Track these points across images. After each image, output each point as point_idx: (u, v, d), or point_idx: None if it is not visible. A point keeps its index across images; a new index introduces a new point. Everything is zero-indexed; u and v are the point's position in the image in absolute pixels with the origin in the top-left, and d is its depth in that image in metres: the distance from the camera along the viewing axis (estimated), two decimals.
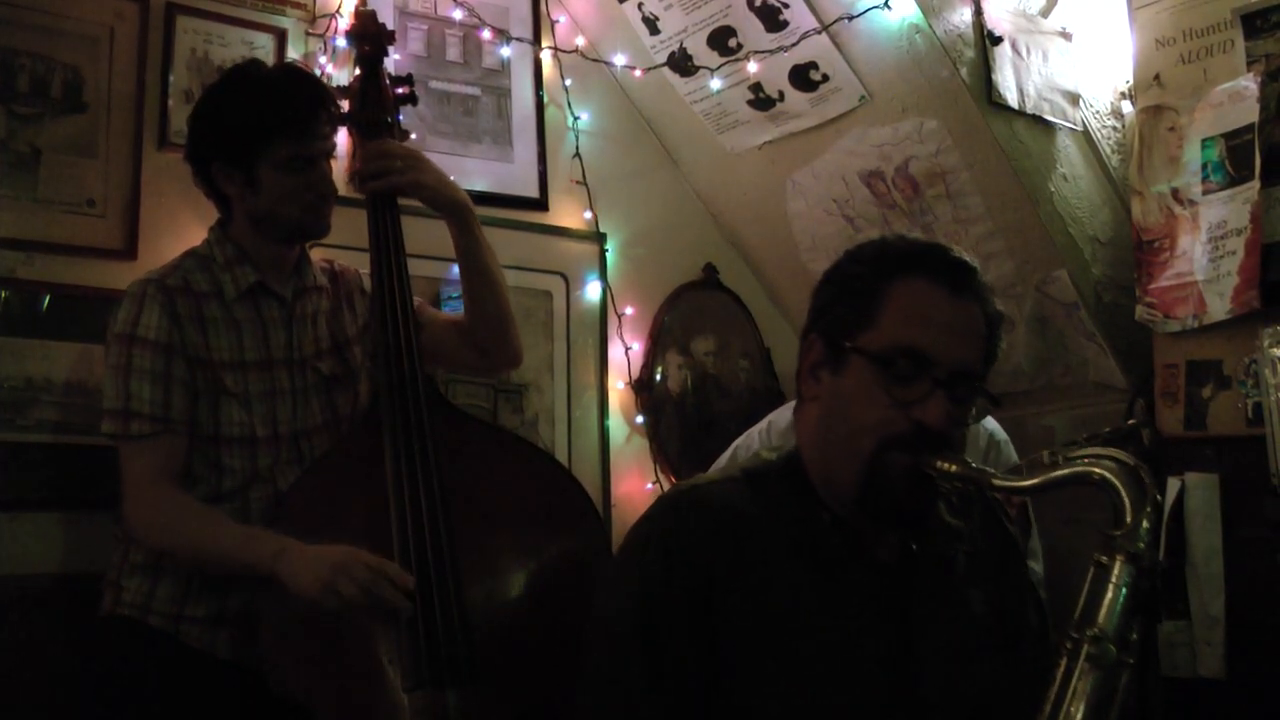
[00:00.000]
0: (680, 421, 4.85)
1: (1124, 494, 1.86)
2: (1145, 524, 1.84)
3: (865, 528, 2.09)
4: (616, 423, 4.76)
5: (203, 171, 3.18)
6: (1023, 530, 3.78)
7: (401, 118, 3.52)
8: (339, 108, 3.31)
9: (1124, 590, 1.83)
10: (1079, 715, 1.81)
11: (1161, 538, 3.82)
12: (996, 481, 1.97)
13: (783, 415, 4.06)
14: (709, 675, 1.99)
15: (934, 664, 2.06)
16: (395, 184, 3.30)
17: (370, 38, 3.50)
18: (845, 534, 2.08)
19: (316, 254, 3.41)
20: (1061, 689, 1.83)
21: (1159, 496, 1.87)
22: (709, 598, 2.00)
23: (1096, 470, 1.89)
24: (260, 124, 3.08)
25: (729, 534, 2.05)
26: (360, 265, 3.42)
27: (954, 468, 1.96)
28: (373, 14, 3.56)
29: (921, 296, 2.04)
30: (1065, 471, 1.92)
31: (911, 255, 2.09)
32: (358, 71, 3.50)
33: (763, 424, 4.08)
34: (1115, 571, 1.84)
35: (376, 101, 3.43)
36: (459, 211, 3.37)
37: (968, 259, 2.10)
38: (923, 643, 2.06)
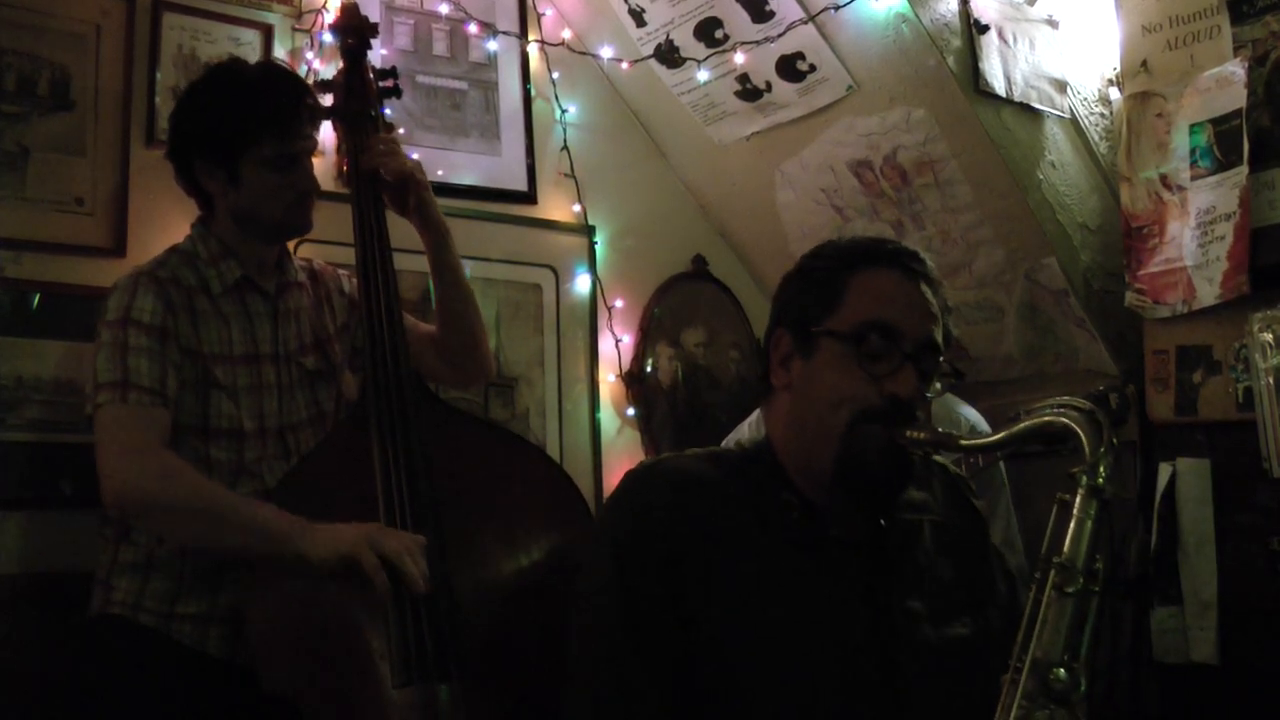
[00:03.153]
0: (671, 413, 4.86)
1: (1083, 436, 1.95)
2: (1103, 462, 1.94)
3: (834, 510, 2.17)
4: (607, 415, 4.77)
5: (184, 169, 3.17)
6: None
7: (387, 111, 3.52)
8: (320, 104, 3.31)
9: (1087, 522, 1.93)
10: (1052, 642, 1.90)
11: (1154, 522, 3.84)
12: (963, 442, 2.15)
13: None
14: (686, 640, 2.06)
15: (905, 631, 2.14)
16: (413, 173, 3.33)
17: (353, 30, 3.50)
18: (813, 515, 2.17)
19: (304, 250, 3.41)
20: (1031, 618, 1.93)
21: (1115, 440, 1.97)
22: (681, 565, 2.09)
23: (1057, 420, 2.00)
24: (243, 123, 3.07)
25: (696, 504, 2.15)
26: (345, 259, 3.42)
27: (922, 435, 2.08)
28: (355, 7, 3.56)
29: (882, 280, 2.19)
30: (1027, 424, 2.04)
31: (868, 248, 2.25)
32: (341, 65, 3.50)
33: (752, 417, 4.10)
34: (1077, 505, 1.94)
35: (360, 94, 3.44)
36: (443, 229, 3.41)
37: (919, 251, 2.25)
38: (893, 611, 2.14)
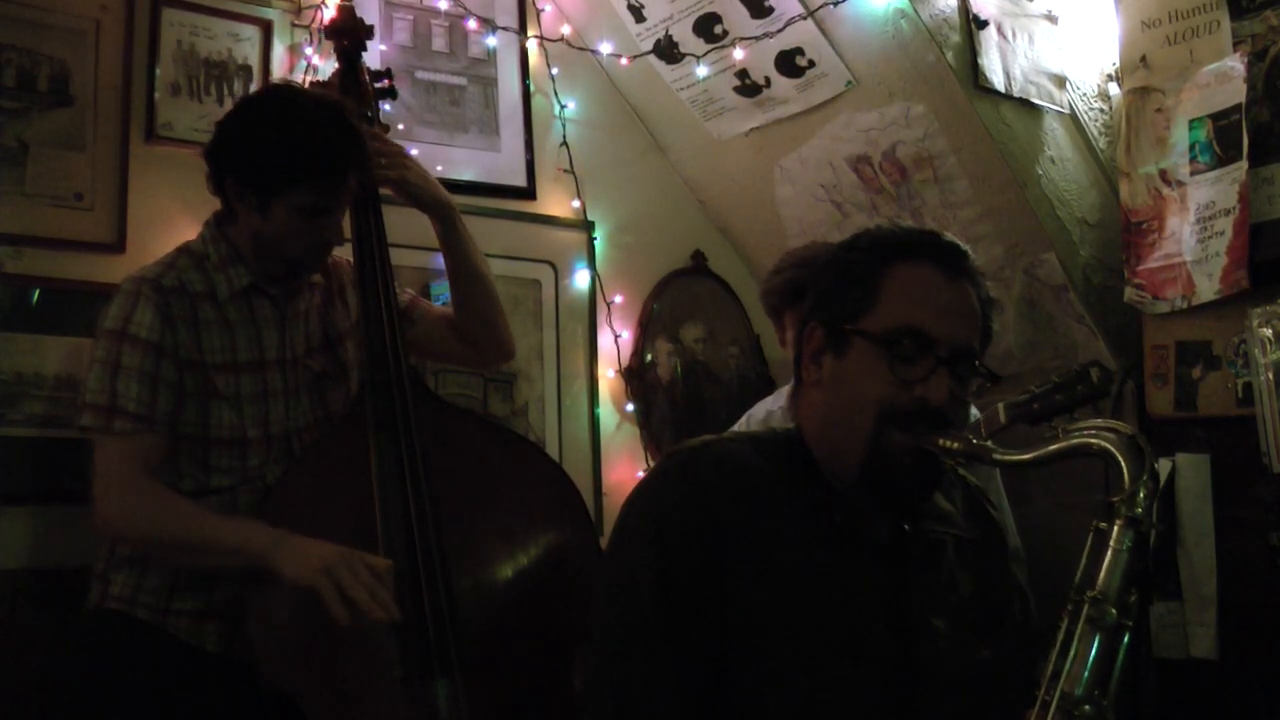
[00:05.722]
0: (670, 409, 4.86)
1: (1123, 462, 1.90)
2: (1143, 490, 1.88)
3: (863, 506, 2.12)
4: (607, 410, 4.77)
5: (217, 178, 3.10)
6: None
7: (387, 107, 3.51)
8: (369, 160, 3.22)
9: (1123, 554, 1.88)
10: (1081, 676, 1.86)
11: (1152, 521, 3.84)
12: (997, 456, 2.02)
13: (759, 409, 4.06)
14: (721, 624, 2.01)
15: (926, 639, 2.09)
16: (382, 178, 3.30)
17: (348, 32, 3.50)
18: (843, 509, 2.11)
19: None
20: (1063, 650, 1.88)
21: (1156, 466, 1.90)
22: (722, 551, 2.03)
23: (1095, 441, 1.93)
24: (288, 165, 3.00)
25: (739, 487, 2.09)
26: (343, 254, 3.40)
27: (956, 444, 2.01)
28: (351, 9, 3.56)
29: (920, 279, 2.10)
30: (1064, 444, 1.97)
31: (907, 241, 2.15)
32: (337, 66, 3.50)
33: (742, 420, 4.10)
34: (1114, 536, 1.89)
35: (356, 95, 3.43)
36: (444, 209, 3.38)
37: (960, 244, 2.16)
38: (915, 617, 2.10)
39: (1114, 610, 1.87)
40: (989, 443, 2.02)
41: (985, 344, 2.16)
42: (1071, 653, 1.87)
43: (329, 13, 3.90)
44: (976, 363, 2.12)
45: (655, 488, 2.15)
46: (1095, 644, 1.87)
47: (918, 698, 2.05)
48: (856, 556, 2.10)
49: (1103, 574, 1.89)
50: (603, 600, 2.11)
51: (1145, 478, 1.89)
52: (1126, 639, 1.88)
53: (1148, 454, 1.91)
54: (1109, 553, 1.89)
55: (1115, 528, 1.90)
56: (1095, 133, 4.38)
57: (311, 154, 3.01)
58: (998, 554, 2.34)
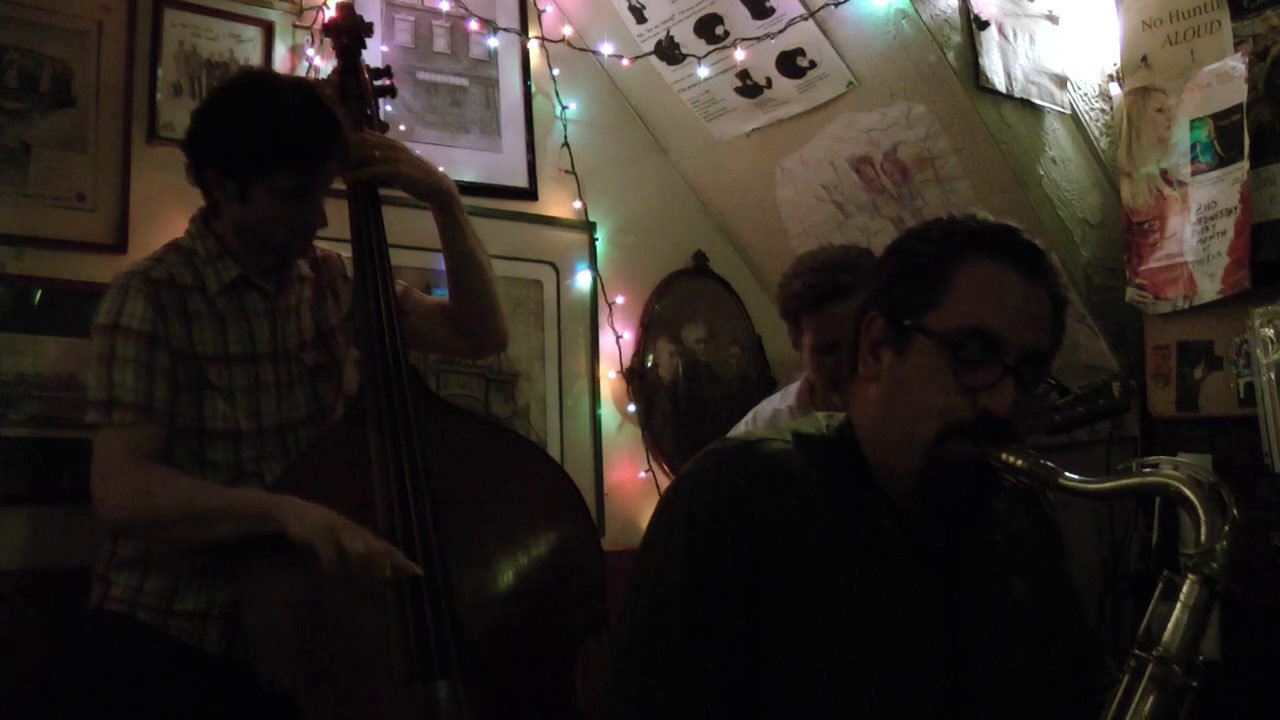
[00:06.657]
0: (672, 409, 4.86)
1: (1202, 514, 1.78)
2: (1224, 540, 1.77)
3: (914, 509, 2.03)
4: (608, 411, 4.78)
5: (196, 169, 3.12)
6: None
7: (388, 106, 3.51)
8: (347, 140, 3.23)
9: (1195, 613, 1.77)
10: None
11: (1155, 517, 3.84)
12: (1064, 482, 1.89)
13: (766, 408, 4.05)
14: (752, 635, 1.94)
15: (977, 649, 2.01)
16: (375, 173, 3.30)
17: (347, 31, 3.52)
18: (893, 513, 2.02)
19: None
20: (1120, 709, 1.79)
21: (1237, 514, 1.78)
22: (755, 557, 1.94)
23: (1174, 485, 1.81)
24: (265, 149, 3.00)
25: (778, 493, 2.00)
26: (336, 250, 3.43)
27: (1021, 462, 1.90)
28: (350, 7, 3.57)
29: (992, 278, 1.99)
30: (1139, 480, 1.87)
31: (982, 235, 2.04)
32: (336, 64, 3.51)
33: (748, 416, 4.09)
34: (1185, 591, 1.78)
35: (355, 94, 3.45)
36: (441, 198, 3.38)
37: (1038, 242, 2.05)
38: (966, 627, 2.02)
39: (1179, 670, 1.76)
40: (1053, 464, 1.89)
41: (1056, 348, 2.05)
42: (1130, 711, 1.77)
43: (330, 13, 3.91)
44: (1045, 370, 2.03)
45: (687, 490, 2.05)
46: (1155, 704, 1.76)
47: (967, 711, 1.98)
48: (904, 561, 2.01)
49: (1169, 631, 1.78)
50: (629, 603, 2.05)
51: (1228, 528, 1.77)
52: (1189, 699, 1.78)
53: (1231, 508, 1.79)
54: (1178, 608, 1.78)
55: (1188, 583, 1.78)
56: (1096, 133, 4.38)
57: (287, 136, 3.02)
58: (1052, 551, 2.26)
